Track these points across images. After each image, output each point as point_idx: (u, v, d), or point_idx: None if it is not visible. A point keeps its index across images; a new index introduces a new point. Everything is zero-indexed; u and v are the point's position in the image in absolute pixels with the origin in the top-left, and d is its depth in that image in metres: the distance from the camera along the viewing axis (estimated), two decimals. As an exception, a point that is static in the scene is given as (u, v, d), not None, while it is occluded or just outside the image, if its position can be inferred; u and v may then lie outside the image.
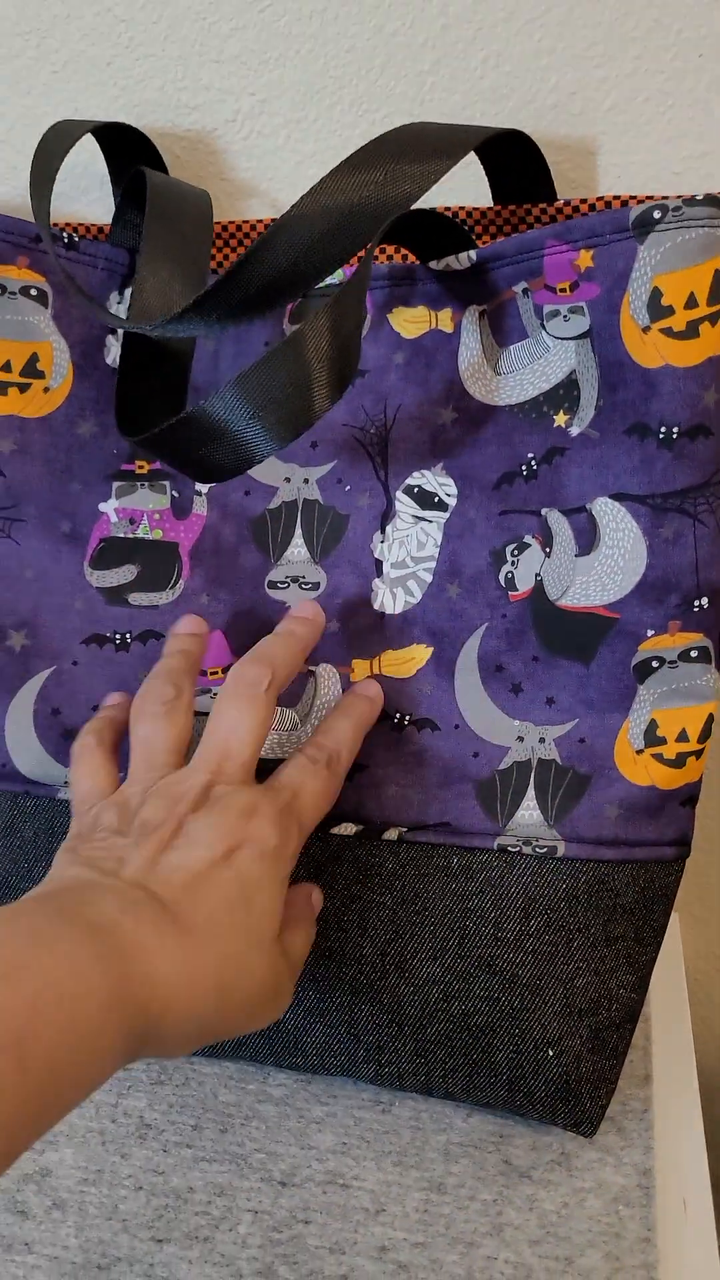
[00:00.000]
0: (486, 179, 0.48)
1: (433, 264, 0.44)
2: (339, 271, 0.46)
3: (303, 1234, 0.42)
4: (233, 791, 0.38)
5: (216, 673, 0.47)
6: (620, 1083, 0.48)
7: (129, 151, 0.52)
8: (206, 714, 0.43)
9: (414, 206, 0.41)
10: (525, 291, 0.43)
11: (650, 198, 0.44)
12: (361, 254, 0.41)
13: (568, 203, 0.47)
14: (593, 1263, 0.41)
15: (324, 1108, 0.47)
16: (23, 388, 0.48)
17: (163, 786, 0.39)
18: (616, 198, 0.46)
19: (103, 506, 0.48)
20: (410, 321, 0.46)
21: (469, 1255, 0.41)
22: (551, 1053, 0.43)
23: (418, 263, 0.45)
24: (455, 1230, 0.42)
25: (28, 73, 0.54)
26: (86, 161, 0.54)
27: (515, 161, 0.47)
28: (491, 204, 0.49)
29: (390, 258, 0.49)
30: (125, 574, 0.48)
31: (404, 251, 0.49)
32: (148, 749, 0.41)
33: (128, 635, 0.47)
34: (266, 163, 0.54)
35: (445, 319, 0.45)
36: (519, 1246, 0.41)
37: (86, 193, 0.56)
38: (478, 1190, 0.43)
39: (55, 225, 0.51)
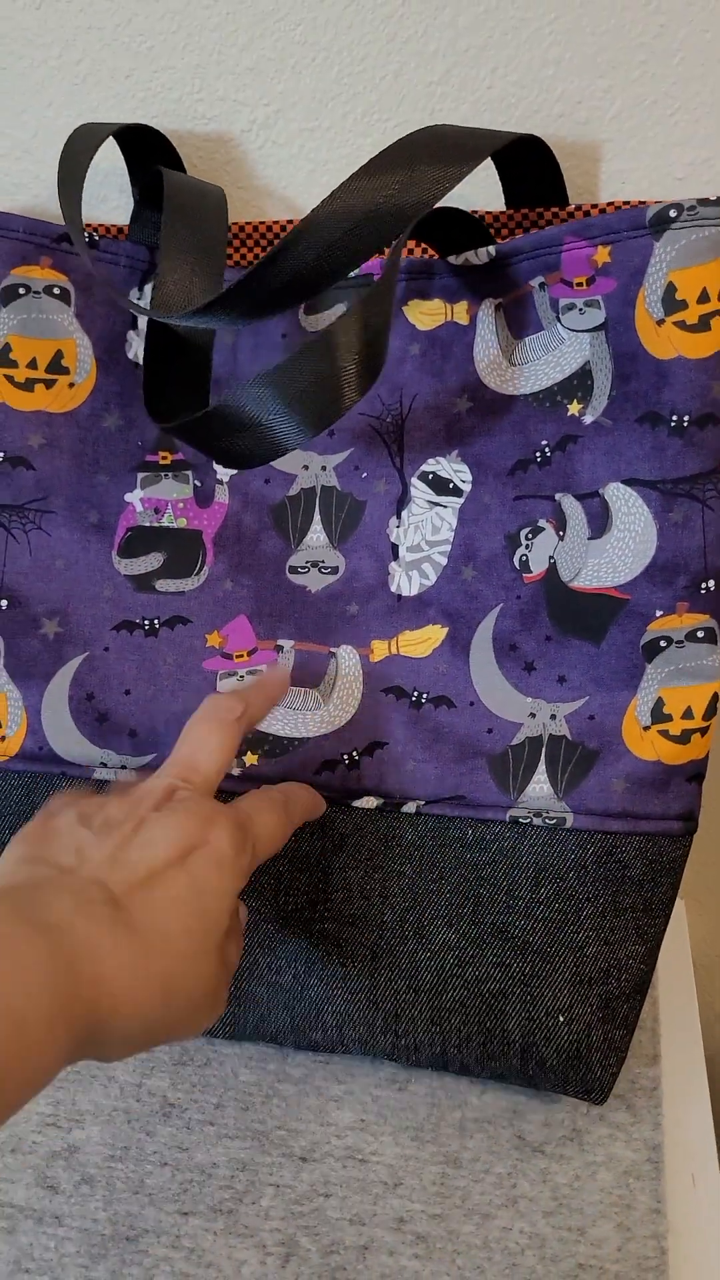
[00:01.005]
0: (500, 182, 0.50)
1: (452, 258, 0.46)
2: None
3: (323, 1207, 0.42)
4: (194, 797, 0.39)
5: (242, 655, 0.48)
6: (630, 1061, 0.49)
7: (149, 153, 0.53)
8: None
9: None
10: (542, 285, 0.45)
11: (658, 201, 0.46)
12: (388, 252, 0.42)
13: (579, 207, 0.49)
14: (604, 1233, 0.41)
15: (342, 1086, 0.48)
16: (49, 384, 0.49)
17: (127, 790, 0.40)
18: (626, 202, 0.48)
19: (128, 497, 0.50)
20: (426, 314, 0.47)
21: (484, 1226, 0.42)
22: (562, 1019, 0.45)
23: (436, 257, 0.47)
24: (471, 1202, 0.43)
25: (49, 83, 0.56)
26: (106, 169, 0.56)
27: (529, 166, 0.49)
28: (504, 207, 0.51)
29: (410, 252, 0.50)
30: (152, 561, 0.49)
31: (423, 246, 0.50)
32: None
33: (156, 621, 0.49)
34: (282, 170, 0.55)
35: (461, 311, 0.47)
36: (533, 1217, 0.42)
37: (105, 200, 0.58)
38: (492, 1164, 0.44)
39: (79, 225, 0.52)
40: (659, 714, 0.44)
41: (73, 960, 0.32)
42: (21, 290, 0.48)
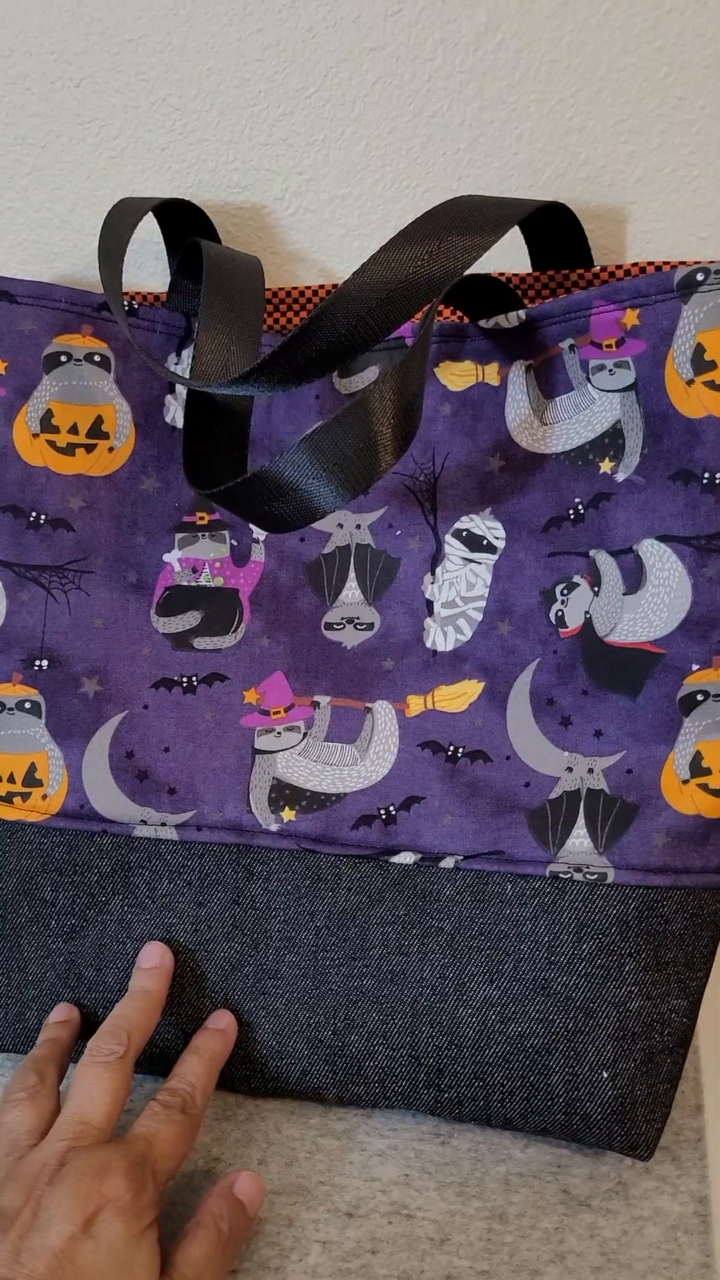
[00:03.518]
0: (525, 245, 0.51)
1: (482, 322, 0.47)
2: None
3: (371, 1264, 0.42)
4: (85, 1154, 0.39)
5: (279, 711, 0.49)
6: (673, 1113, 0.49)
7: (185, 223, 0.55)
8: (273, 750, 0.46)
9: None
10: (572, 347, 0.46)
11: (683, 263, 0.47)
12: (420, 317, 0.43)
13: (604, 268, 0.50)
14: (656, 1287, 0.41)
15: (385, 1140, 0.48)
16: (89, 448, 0.51)
17: (19, 1170, 0.40)
18: (651, 263, 0.49)
19: (166, 557, 0.51)
20: (457, 375, 0.48)
21: (535, 1280, 0.42)
22: (606, 1075, 0.45)
23: (467, 321, 0.48)
24: (519, 1258, 0.43)
25: (88, 158, 0.57)
26: (143, 238, 0.57)
27: (554, 230, 0.51)
28: (530, 269, 0.52)
29: (442, 315, 0.52)
30: (190, 620, 0.50)
31: (455, 310, 0.52)
32: (11, 1133, 0.42)
33: (194, 678, 0.49)
34: (314, 236, 0.57)
35: (492, 373, 0.48)
36: (582, 1273, 0.42)
37: (143, 267, 0.59)
38: (539, 1219, 0.44)
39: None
40: (698, 768, 0.45)
41: None
42: (63, 358, 0.50)
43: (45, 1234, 0.37)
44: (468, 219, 0.44)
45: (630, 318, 0.44)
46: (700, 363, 0.42)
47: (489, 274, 0.47)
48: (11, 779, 0.49)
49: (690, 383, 0.43)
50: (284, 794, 0.48)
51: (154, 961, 0.48)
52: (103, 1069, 0.43)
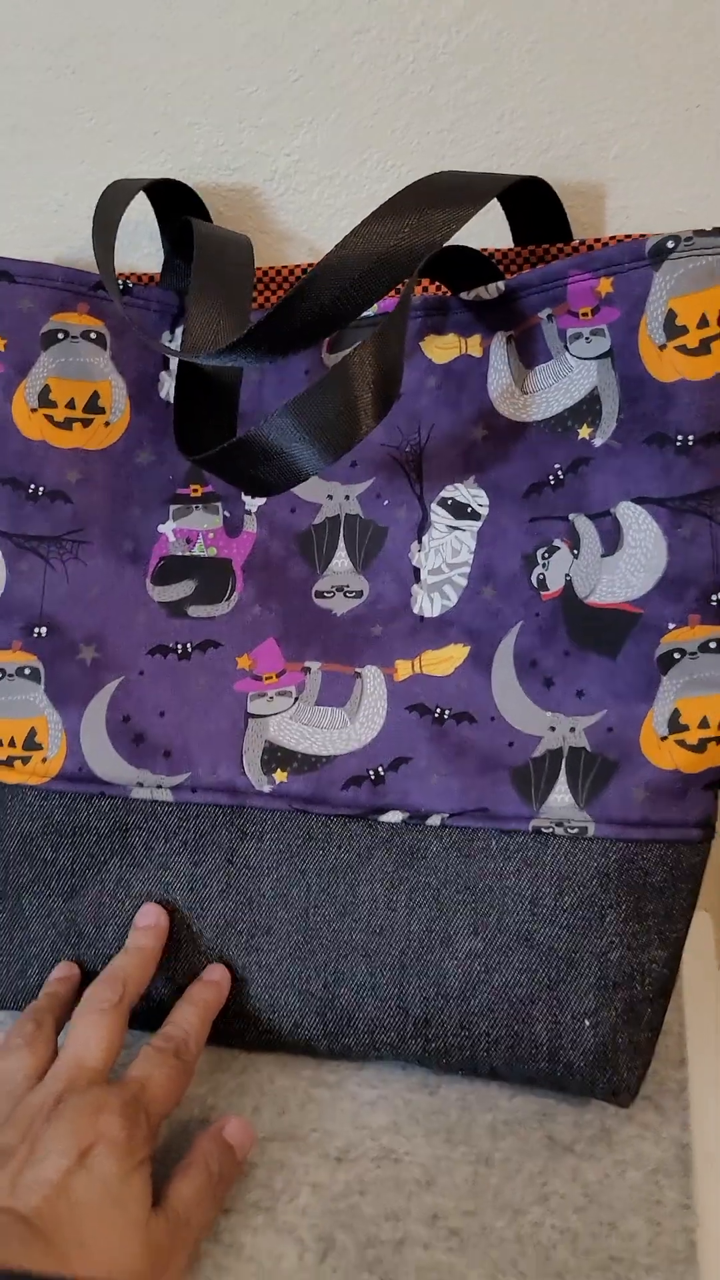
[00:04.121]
0: (508, 222, 0.53)
1: (464, 295, 0.48)
2: (373, 306, 0.50)
3: (359, 1204, 0.44)
4: (80, 1094, 0.41)
5: (271, 676, 0.50)
6: (657, 1065, 0.50)
7: (177, 205, 0.56)
8: (265, 714, 0.47)
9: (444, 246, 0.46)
10: (550, 317, 0.47)
11: (657, 234, 0.48)
12: (400, 289, 0.45)
13: (583, 241, 0.51)
14: (635, 1227, 0.43)
15: (375, 1091, 0.49)
16: (86, 423, 0.52)
17: (17, 1112, 0.41)
18: (628, 236, 0.50)
19: (161, 528, 0.52)
20: (441, 348, 0.50)
21: (517, 1221, 0.43)
22: (588, 1023, 0.46)
23: (450, 294, 0.49)
24: (503, 1199, 0.44)
25: (82, 145, 0.59)
26: (137, 220, 0.59)
27: (534, 206, 0.52)
28: (512, 244, 0.53)
29: (425, 290, 0.53)
30: (184, 589, 0.52)
31: (437, 284, 0.53)
32: (8, 1078, 0.44)
33: (188, 645, 0.51)
34: (302, 215, 0.59)
35: (474, 344, 0.49)
36: (564, 1213, 0.43)
37: (138, 248, 0.61)
38: (523, 1163, 0.45)
39: (112, 275, 0.55)
40: (675, 724, 0.46)
41: None
42: (60, 335, 0.51)
43: (41, 1168, 0.38)
44: (446, 193, 0.46)
45: (604, 286, 0.45)
46: (672, 328, 0.44)
47: (469, 247, 0.49)
48: (12, 743, 0.50)
49: (663, 347, 0.44)
50: (276, 756, 0.49)
51: (150, 920, 0.49)
52: (99, 1016, 0.44)
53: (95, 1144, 0.39)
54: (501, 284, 0.48)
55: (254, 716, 0.50)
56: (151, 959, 0.48)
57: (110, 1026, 0.44)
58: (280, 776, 0.49)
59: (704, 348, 0.43)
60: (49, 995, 0.49)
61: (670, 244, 0.44)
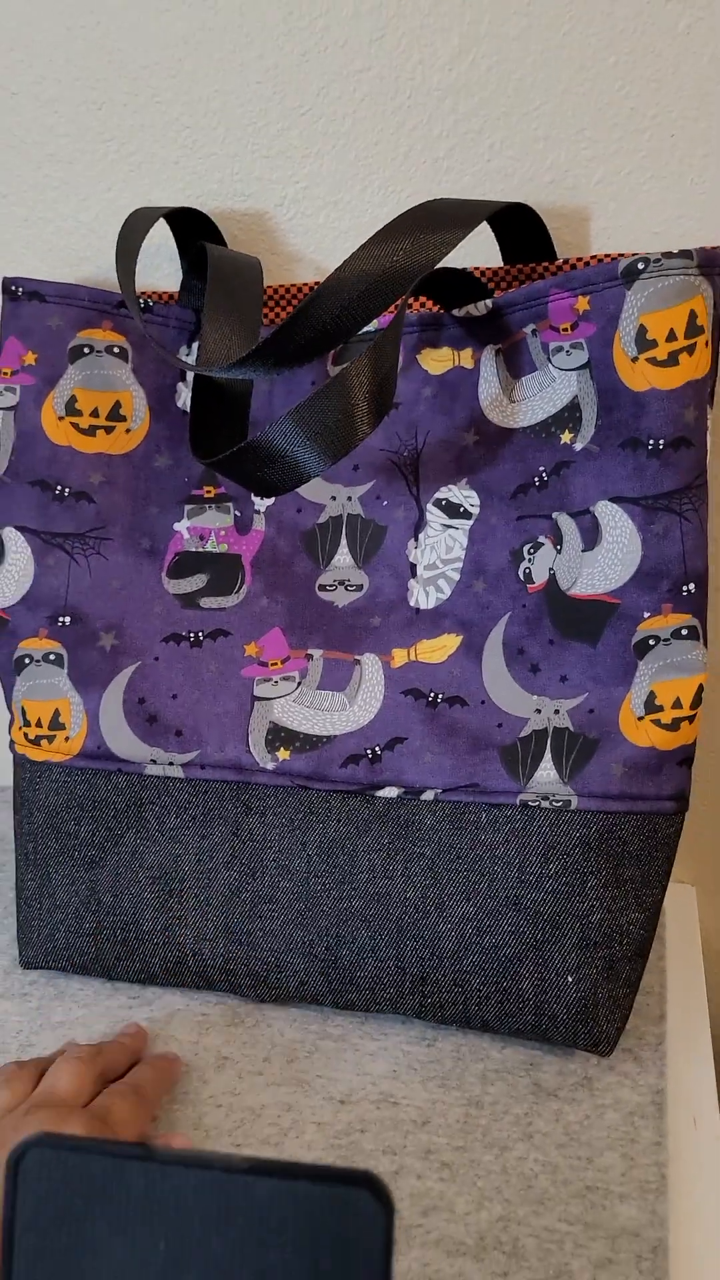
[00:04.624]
0: (497, 243, 0.57)
1: (456, 311, 0.53)
2: (374, 322, 0.54)
3: (359, 1140, 0.48)
4: (49, 1109, 0.44)
5: (276, 663, 0.55)
6: (637, 1020, 0.54)
7: (194, 229, 0.61)
8: (270, 697, 0.52)
9: (437, 267, 0.50)
10: (534, 331, 0.51)
11: (636, 254, 0.52)
12: (396, 306, 0.49)
13: (566, 260, 0.56)
14: (610, 1161, 0.46)
15: (376, 1043, 0.53)
16: (109, 430, 0.57)
17: None
18: (608, 255, 0.55)
19: (177, 526, 0.57)
20: (436, 360, 0.54)
21: (503, 1156, 0.47)
22: (571, 980, 0.50)
23: (443, 311, 0.54)
24: (491, 1137, 0.48)
25: (109, 171, 0.64)
26: (158, 243, 0.64)
27: (521, 228, 0.56)
28: (502, 263, 0.58)
29: (424, 305, 0.57)
30: (197, 582, 0.56)
31: (433, 302, 0.57)
32: None
33: (200, 633, 0.55)
34: (310, 238, 0.63)
35: (466, 357, 0.54)
36: (546, 1149, 0.47)
37: (158, 269, 0.65)
38: (511, 1106, 0.49)
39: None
40: (651, 705, 0.50)
41: None
42: (86, 350, 0.56)
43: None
44: (438, 218, 0.50)
45: (582, 303, 0.49)
46: (643, 341, 0.48)
47: (461, 268, 0.53)
48: (39, 724, 0.55)
49: (635, 359, 0.48)
50: (279, 736, 0.53)
51: (133, 1029, 0.53)
52: (75, 1062, 0.47)
53: (40, 1108, 0.42)
54: (490, 301, 0.52)
55: (259, 699, 0.54)
56: (130, 1052, 0.50)
57: (83, 1073, 0.46)
58: (283, 755, 0.53)
59: (672, 360, 0.48)
60: (35, 1058, 0.51)
61: (641, 265, 0.48)
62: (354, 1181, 0.23)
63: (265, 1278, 0.23)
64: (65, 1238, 0.24)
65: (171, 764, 0.54)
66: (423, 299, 0.57)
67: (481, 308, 0.52)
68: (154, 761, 0.54)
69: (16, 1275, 0.24)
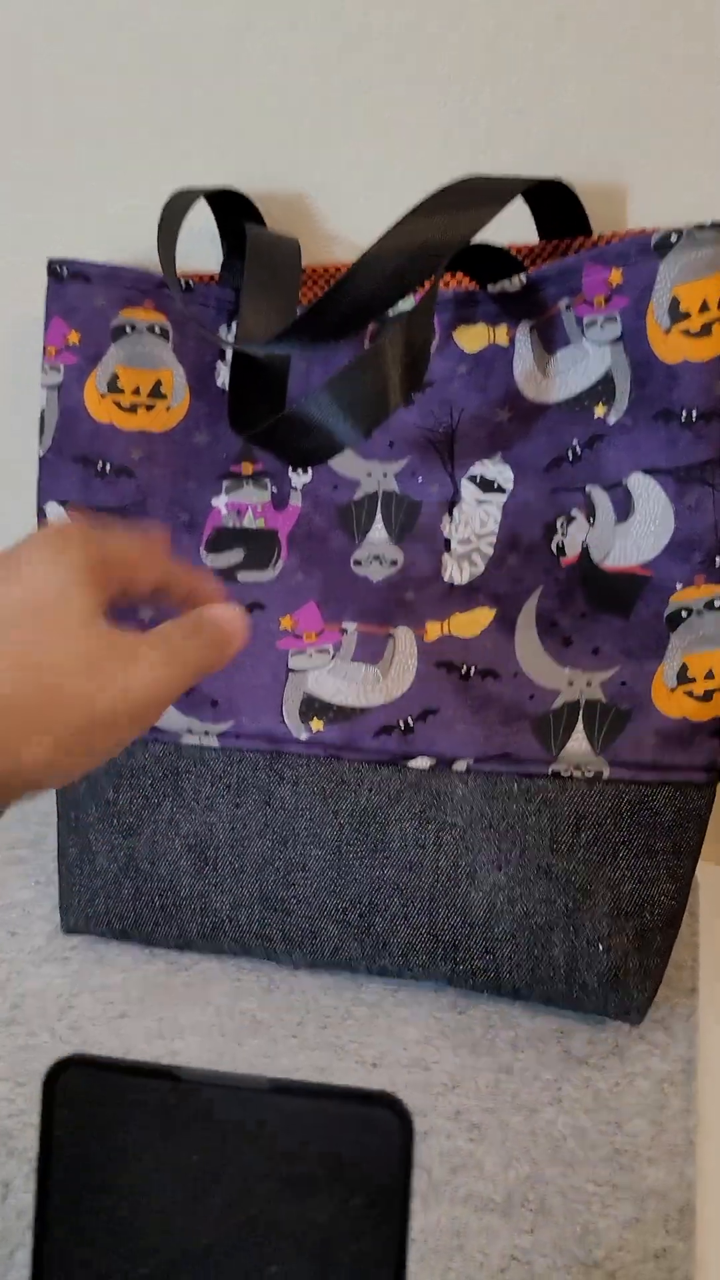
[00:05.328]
0: (534, 219, 0.57)
1: (490, 287, 0.53)
2: (409, 298, 0.55)
3: (390, 1104, 0.48)
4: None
5: (311, 636, 0.55)
6: (669, 992, 0.54)
7: (235, 211, 0.62)
8: (304, 669, 0.53)
9: (473, 242, 0.51)
10: (568, 306, 0.52)
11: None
12: (430, 282, 0.50)
13: (600, 236, 0.56)
14: (639, 1126, 0.47)
15: (408, 1010, 0.54)
16: (149, 407, 0.58)
17: None
18: (641, 231, 0.55)
19: (215, 501, 0.58)
20: (472, 338, 0.55)
21: (532, 1119, 0.47)
22: (602, 948, 0.50)
23: (478, 288, 0.54)
24: (520, 1100, 0.48)
25: (156, 158, 0.65)
26: (201, 226, 0.65)
27: (556, 204, 0.57)
28: (537, 239, 0.58)
29: (460, 283, 0.58)
30: (234, 556, 0.57)
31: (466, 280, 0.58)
32: None
33: (237, 605, 0.56)
34: (348, 219, 0.64)
35: (502, 334, 0.54)
36: (576, 1113, 0.48)
37: (201, 250, 0.66)
38: (540, 1072, 0.50)
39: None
40: (683, 677, 0.50)
41: None
42: (128, 329, 0.57)
43: None
44: (472, 195, 0.51)
45: (615, 276, 0.50)
46: (676, 313, 0.48)
47: (494, 245, 0.54)
48: (82, 694, 0.56)
49: (668, 331, 0.48)
50: (313, 707, 0.54)
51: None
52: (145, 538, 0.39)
53: (31, 549, 0.35)
54: (524, 276, 0.52)
55: (294, 671, 0.55)
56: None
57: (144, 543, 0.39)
58: (316, 725, 0.54)
59: (705, 331, 0.48)
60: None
61: (674, 237, 0.48)
62: (375, 1101, 0.24)
63: (293, 1187, 0.24)
64: (99, 1151, 0.25)
65: (207, 734, 0.55)
66: (459, 276, 0.58)
67: (516, 283, 0.53)
68: (190, 731, 0.55)
69: (54, 1185, 0.25)
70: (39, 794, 0.34)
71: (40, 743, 0.32)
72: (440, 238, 0.50)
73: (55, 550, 0.35)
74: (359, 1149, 0.24)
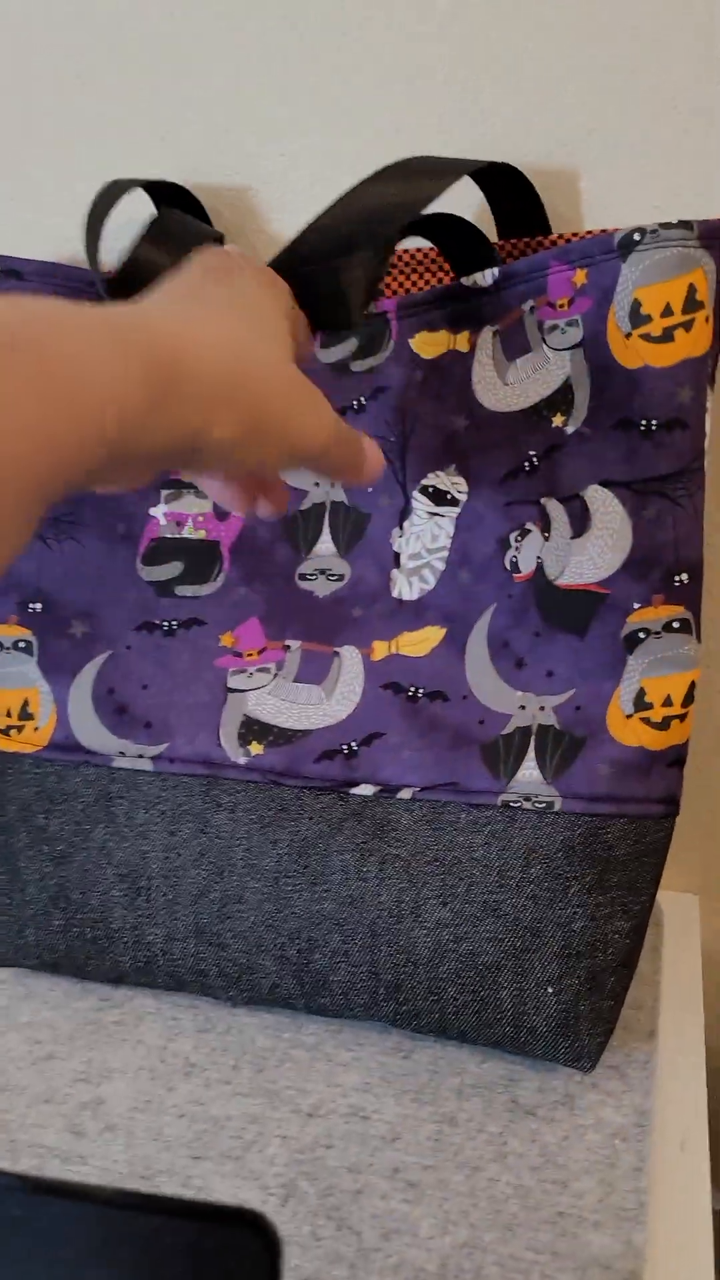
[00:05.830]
0: (492, 215, 0.54)
1: (464, 280, 0.50)
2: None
3: (324, 1156, 0.45)
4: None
5: (252, 654, 0.52)
6: (626, 1037, 0.51)
7: (179, 207, 0.59)
8: (244, 689, 0.49)
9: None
10: (531, 309, 0.49)
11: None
12: (386, 248, 0.46)
13: (561, 235, 0.53)
14: (587, 1186, 0.44)
15: (350, 1053, 0.51)
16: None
17: None
18: (604, 231, 0.52)
19: (153, 511, 0.55)
20: (430, 345, 0.51)
21: (473, 1177, 0.44)
22: (551, 990, 0.47)
23: (446, 284, 0.51)
24: (463, 1156, 0.45)
25: (95, 152, 0.62)
26: (141, 219, 0.62)
27: (514, 199, 0.54)
28: (497, 239, 0.55)
29: (440, 279, 0.54)
30: (173, 569, 0.54)
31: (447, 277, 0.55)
32: None
33: (174, 622, 0.53)
34: (298, 216, 0.61)
35: (462, 340, 0.51)
36: (520, 1171, 0.45)
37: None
38: (486, 1124, 0.47)
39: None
40: (641, 702, 0.47)
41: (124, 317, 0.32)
42: (59, 328, 0.54)
43: None
44: (430, 166, 0.48)
45: (580, 277, 0.47)
46: (637, 317, 0.45)
47: (458, 216, 0.50)
48: (9, 714, 0.53)
49: (628, 336, 0.45)
50: (252, 729, 0.51)
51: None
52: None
53: (252, 271, 0.40)
54: (496, 270, 0.49)
55: (233, 691, 0.52)
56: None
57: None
58: (255, 749, 0.51)
59: (667, 336, 0.45)
60: None
61: (637, 236, 0.45)
62: (239, 1221, 0.21)
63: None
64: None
65: (141, 756, 0.52)
66: (440, 275, 0.55)
67: (487, 278, 0.50)
68: (123, 754, 0.52)
69: None
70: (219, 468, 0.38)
71: (228, 420, 0.34)
72: (396, 200, 0.47)
73: (272, 280, 0.41)
74: (221, 1273, 0.21)
